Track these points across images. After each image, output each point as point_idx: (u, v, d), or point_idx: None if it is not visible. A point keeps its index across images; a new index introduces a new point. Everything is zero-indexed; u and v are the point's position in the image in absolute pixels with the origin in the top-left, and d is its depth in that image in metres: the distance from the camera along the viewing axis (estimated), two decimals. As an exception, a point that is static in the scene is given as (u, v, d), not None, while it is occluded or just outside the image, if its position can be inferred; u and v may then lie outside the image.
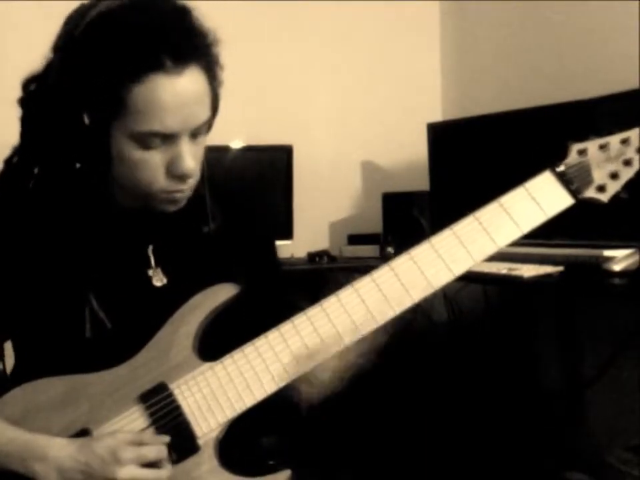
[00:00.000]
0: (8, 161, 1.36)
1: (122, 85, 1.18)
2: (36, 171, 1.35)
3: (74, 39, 1.22)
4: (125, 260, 1.37)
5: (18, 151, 1.35)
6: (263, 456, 1.48)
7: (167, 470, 1.23)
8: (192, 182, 1.31)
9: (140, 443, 1.22)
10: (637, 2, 2.74)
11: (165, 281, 1.38)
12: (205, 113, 1.27)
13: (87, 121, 1.22)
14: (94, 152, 1.25)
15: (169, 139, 1.23)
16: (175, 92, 1.20)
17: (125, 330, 1.31)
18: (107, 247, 1.35)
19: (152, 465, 1.22)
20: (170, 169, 1.26)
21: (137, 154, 1.24)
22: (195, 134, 1.27)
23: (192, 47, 1.23)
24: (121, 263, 1.36)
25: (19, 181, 1.36)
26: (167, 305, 1.32)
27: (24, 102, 1.32)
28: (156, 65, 1.18)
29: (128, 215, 1.36)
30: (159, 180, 1.27)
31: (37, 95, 1.30)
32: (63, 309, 1.30)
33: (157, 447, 1.23)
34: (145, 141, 1.23)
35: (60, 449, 1.21)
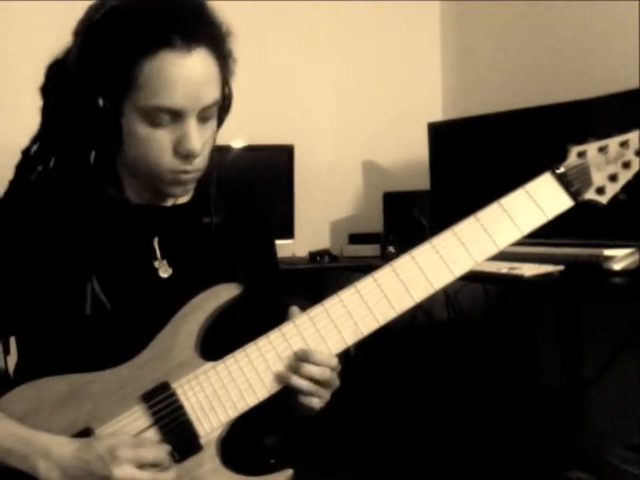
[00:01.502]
0: (26, 152, 1.38)
1: (133, 61, 1.23)
2: (53, 160, 1.37)
3: (93, 23, 1.26)
4: (131, 250, 1.38)
5: (36, 140, 1.38)
6: (264, 455, 1.48)
7: (166, 475, 1.23)
8: (198, 163, 1.33)
9: (140, 445, 1.22)
10: (637, 2, 2.74)
11: (170, 272, 1.39)
12: (212, 95, 1.29)
13: (101, 103, 1.26)
14: (107, 134, 1.28)
15: (176, 116, 1.26)
16: (183, 69, 1.24)
17: (129, 319, 1.32)
18: (113, 237, 1.37)
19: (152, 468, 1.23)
20: (176, 148, 1.29)
21: (145, 131, 1.27)
22: (203, 117, 1.30)
23: (202, 30, 1.27)
24: (127, 254, 1.37)
25: (35, 171, 1.37)
26: (172, 295, 1.33)
27: (45, 88, 1.36)
28: (165, 42, 1.23)
29: (135, 207, 1.38)
30: (166, 159, 1.29)
31: (57, 79, 1.34)
32: (67, 295, 1.31)
33: (156, 450, 1.23)
34: (154, 117, 1.26)
35: (62, 446, 1.22)
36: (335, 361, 1.30)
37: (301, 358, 1.28)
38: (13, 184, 1.39)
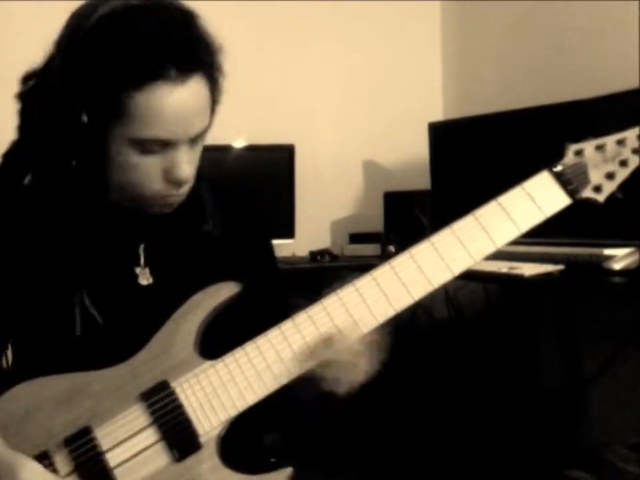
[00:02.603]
0: (6, 155, 1.37)
1: (124, 91, 1.18)
2: (32, 166, 1.35)
3: (78, 38, 1.22)
4: (114, 257, 1.37)
5: (16, 145, 1.35)
6: (264, 453, 1.48)
7: None
8: (186, 188, 1.32)
9: None
10: (637, 2, 2.75)
11: (151, 280, 1.38)
12: (204, 122, 1.28)
13: (85, 120, 1.22)
14: (90, 151, 1.25)
15: (167, 145, 1.24)
16: (177, 101, 1.21)
17: (111, 327, 1.31)
18: (98, 243, 1.36)
19: None
20: (166, 175, 1.27)
21: (135, 158, 1.25)
22: (193, 141, 1.28)
23: (197, 56, 1.23)
24: (110, 260, 1.36)
25: (15, 175, 1.36)
26: (150, 304, 1.33)
27: (22, 96, 1.32)
28: (160, 74, 1.18)
29: (121, 213, 1.36)
30: (155, 184, 1.28)
31: (36, 90, 1.29)
32: (53, 306, 1.30)
33: None
34: (144, 146, 1.23)
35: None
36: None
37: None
38: None
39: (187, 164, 1.27)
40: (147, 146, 1.23)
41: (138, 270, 1.38)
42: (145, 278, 1.38)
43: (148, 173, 1.26)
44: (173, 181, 1.28)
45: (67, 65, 1.23)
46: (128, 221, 1.37)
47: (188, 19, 1.25)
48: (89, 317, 1.30)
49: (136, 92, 1.18)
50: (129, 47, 1.18)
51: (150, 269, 1.39)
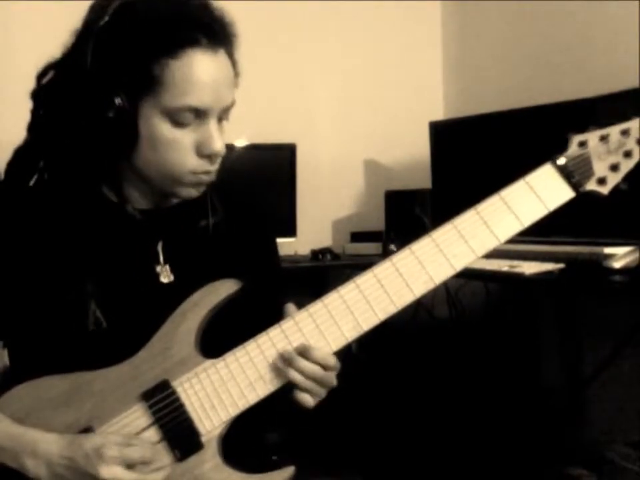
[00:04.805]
0: (18, 151, 1.37)
1: (159, 60, 1.22)
2: (41, 165, 1.35)
3: (107, 21, 1.24)
4: (134, 256, 1.37)
5: (28, 145, 1.36)
6: (266, 452, 1.48)
7: (154, 476, 1.22)
8: (217, 165, 1.33)
9: (127, 444, 1.22)
10: (637, 2, 2.75)
11: (172, 277, 1.38)
12: (232, 96, 1.31)
13: (118, 102, 1.23)
14: (123, 134, 1.26)
15: (201, 116, 1.27)
16: (210, 69, 1.25)
17: (129, 326, 1.31)
18: (115, 243, 1.35)
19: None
20: (200, 149, 1.29)
21: (169, 132, 1.26)
22: (220, 119, 1.31)
23: (222, 32, 1.29)
24: (130, 259, 1.36)
25: (27, 172, 1.36)
26: (173, 301, 1.32)
27: (38, 93, 1.33)
28: (193, 41, 1.23)
29: (138, 212, 1.37)
30: (189, 160, 1.29)
31: (58, 82, 1.31)
32: (66, 304, 1.30)
33: (142, 449, 1.22)
34: (179, 117, 1.25)
35: (50, 444, 1.22)
36: (332, 360, 1.28)
37: (299, 352, 1.27)
38: (4, 185, 1.38)
39: (219, 137, 1.29)
40: (181, 117, 1.25)
41: (158, 268, 1.38)
42: (165, 275, 1.38)
43: (182, 148, 1.28)
44: (207, 154, 1.29)
45: (98, 45, 1.25)
46: (145, 219, 1.38)
47: (206, 2, 1.30)
48: (100, 317, 1.30)
49: (171, 60, 1.22)
50: (159, 19, 1.24)
51: (170, 266, 1.39)
